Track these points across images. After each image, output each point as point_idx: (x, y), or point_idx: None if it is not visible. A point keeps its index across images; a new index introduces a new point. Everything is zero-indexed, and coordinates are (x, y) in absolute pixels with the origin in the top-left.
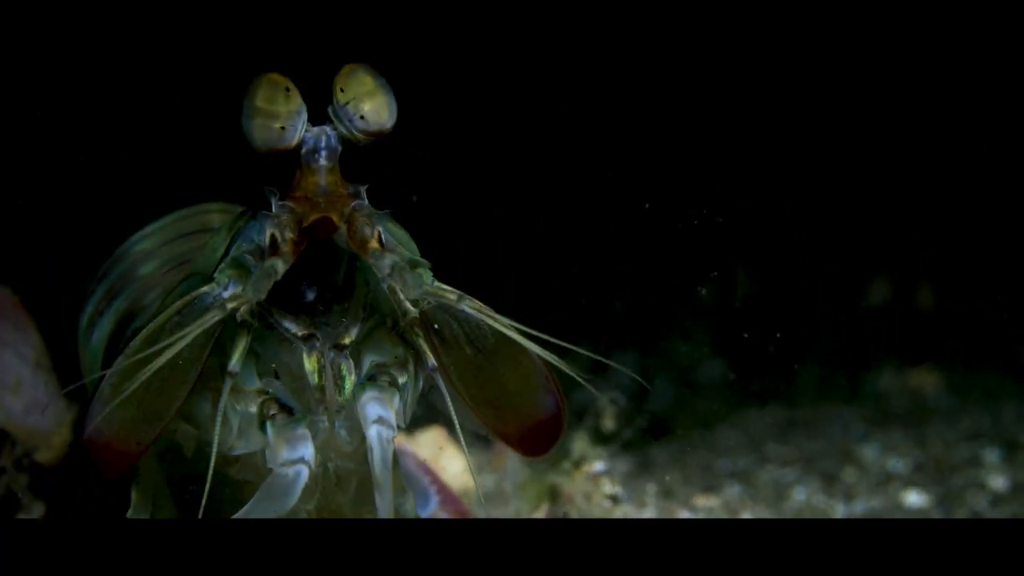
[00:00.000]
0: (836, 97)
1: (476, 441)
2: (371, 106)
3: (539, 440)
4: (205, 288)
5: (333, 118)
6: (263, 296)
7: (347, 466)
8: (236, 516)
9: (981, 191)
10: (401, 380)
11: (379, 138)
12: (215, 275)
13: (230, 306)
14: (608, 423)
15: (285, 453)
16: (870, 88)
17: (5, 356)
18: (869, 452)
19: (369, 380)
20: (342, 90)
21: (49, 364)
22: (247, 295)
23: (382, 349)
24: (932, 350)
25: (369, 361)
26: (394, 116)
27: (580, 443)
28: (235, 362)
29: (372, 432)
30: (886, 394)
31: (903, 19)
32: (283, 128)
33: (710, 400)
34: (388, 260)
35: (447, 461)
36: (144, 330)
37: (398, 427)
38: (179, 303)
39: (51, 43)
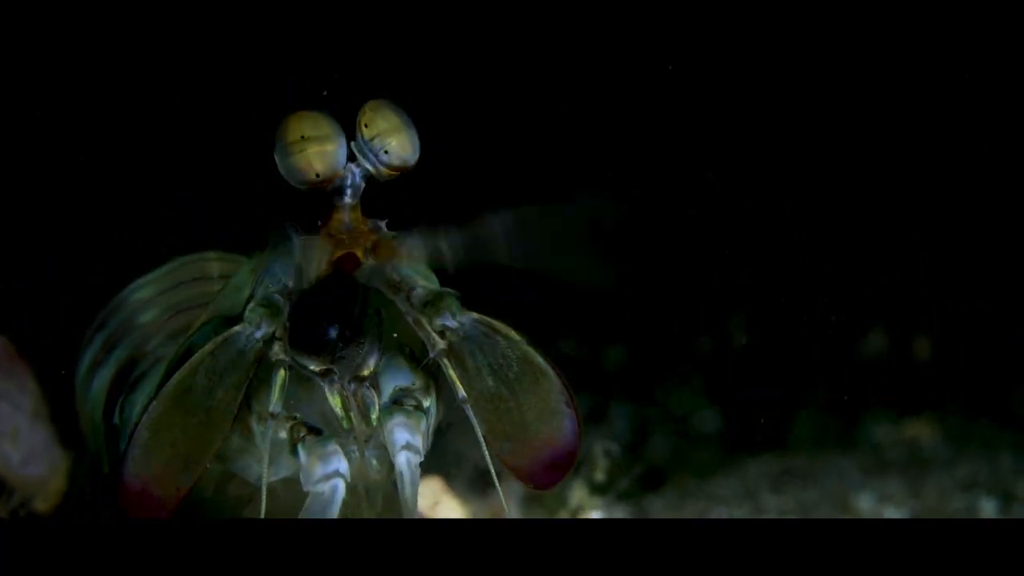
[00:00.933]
0: (832, 149)
1: (472, 491)
2: (397, 142)
3: (553, 471)
4: (237, 328)
5: (358, 154)
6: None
7: (375, 480)
8: None
9: (978, 242)
10: (426, 403)
11: (401, 173)
12: (246, 314)
13: (267, 331)
14: (604, 474)
15: (319, 469)
16: (866, 143)
17: (2, 406)
18: (865, 501)
19: (395, 404)
20: (366, 125)
21: (47, 413)
22: (280, 323)
23: (403, 375)
24: (929, 400)
25: (392, 387)
26: (417, 152)
27: (578, 492)
28: (275, 403)
29: (401, 459)
30: (882, 444)
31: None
32: (336, 151)
33: (705, 450)
34: (420, 288)
35: (444, 512)
36: (178, 372)
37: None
38: (212, 344)
39: (50, 88)
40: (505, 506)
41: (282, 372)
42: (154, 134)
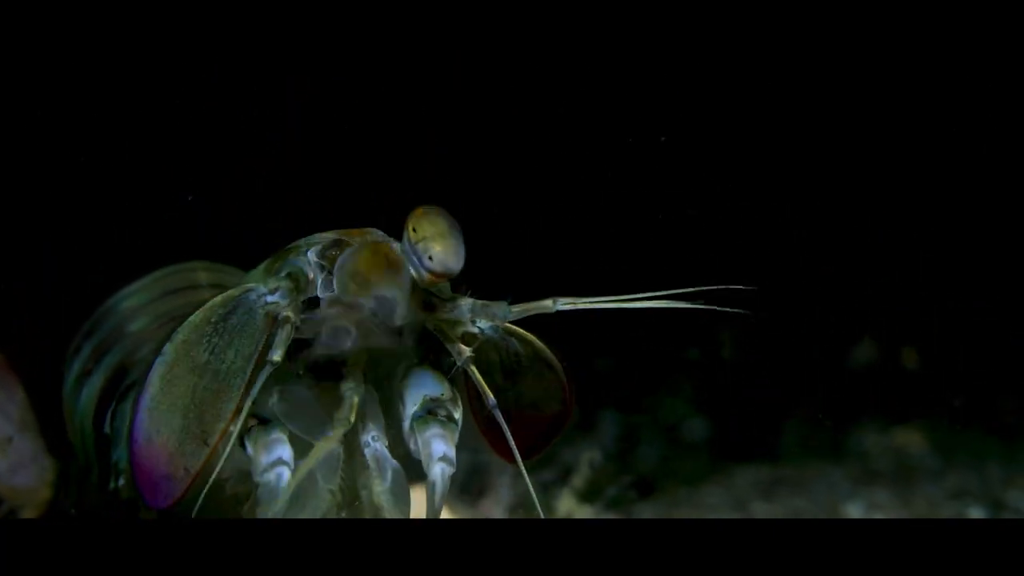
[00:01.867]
0: (823, 159)
1: (459, 499)
2: (440, 247)
3: (537, 445)
4: (251, 284)
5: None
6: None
7: (384, 456)
8: None
9: (967, 252)
10: (456, 415)
11: (445, 280)
12: (267, 279)
13: (285, 302)
14: (592, 481)
15: (263, 459)
16: (856, 155)
17: None
18: (854, 510)
19: (429, 414)
20: (414, 230)
21: (35, 422)
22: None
23: (431, 384)
24: (917, 409)
25: (421, 395)
26: (462, 261)
27: (566, 502)
28: (279, 353)
29: (436, 470)
30: (871, 453)
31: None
32: (393, 304)
33: (694, 459)
34: (465, 302)
35: None
36: (189, 319)
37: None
38: (223, 297)
39: (35, 101)
40: (539, 508)
41: (288, 327)
42: (143, 144)
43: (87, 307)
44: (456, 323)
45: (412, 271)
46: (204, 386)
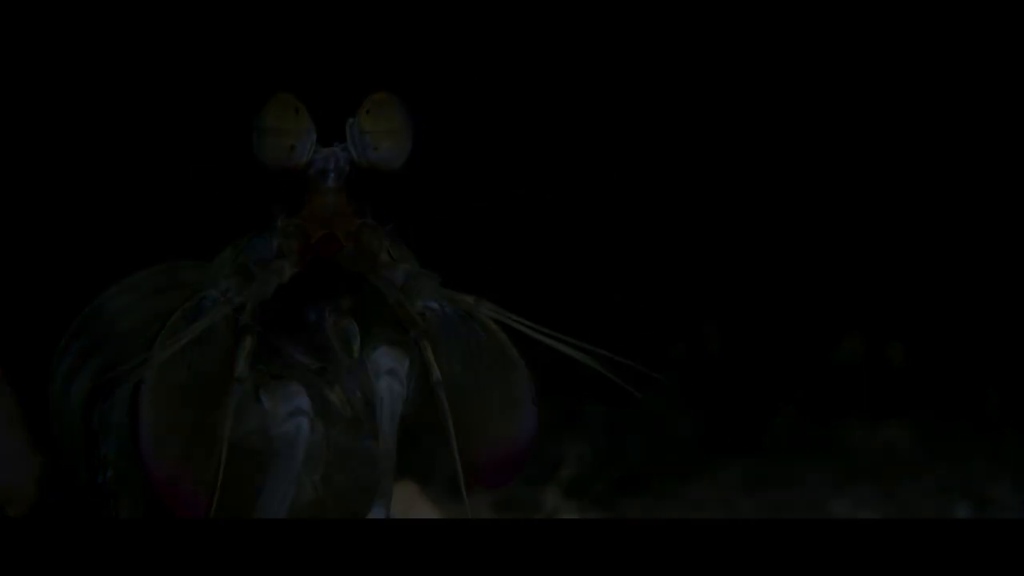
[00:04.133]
0: (806, 157)
1: (446, 496)
2: (389, 144)
3: (502, 471)
4: (202, 293)
5: (348, 136)
6: (267, 295)
7: (347, 443)
8: (259, 500)
9: (952, 248)
10: (410, 355)
11: (382, 171)
12: (227, 270)
13: (237, 300)
14: (579, 476)
15: (282, 408)
16: (842, 149)
17: None
18: (839, 507)
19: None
20: (368, 112)
21: (22, 419)
22: (252, 293)
23: (388, 331)
24: (904, 405)
25: (377, 335)
26: (405, 158)
27: (552, 497)
28: (242, 367)
29: (383, 383)
30: (857, 449)
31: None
32: (293, 147)
33: (681, 454)
34: (401, 269)
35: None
36: (157, 340)
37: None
38: (180, 311)
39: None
40: (468, 503)
41: (248, 338)
42: (132, 142)
43: (75, 305)
44: (413, 296)
45: (354, 155)
46: (193, 401)
